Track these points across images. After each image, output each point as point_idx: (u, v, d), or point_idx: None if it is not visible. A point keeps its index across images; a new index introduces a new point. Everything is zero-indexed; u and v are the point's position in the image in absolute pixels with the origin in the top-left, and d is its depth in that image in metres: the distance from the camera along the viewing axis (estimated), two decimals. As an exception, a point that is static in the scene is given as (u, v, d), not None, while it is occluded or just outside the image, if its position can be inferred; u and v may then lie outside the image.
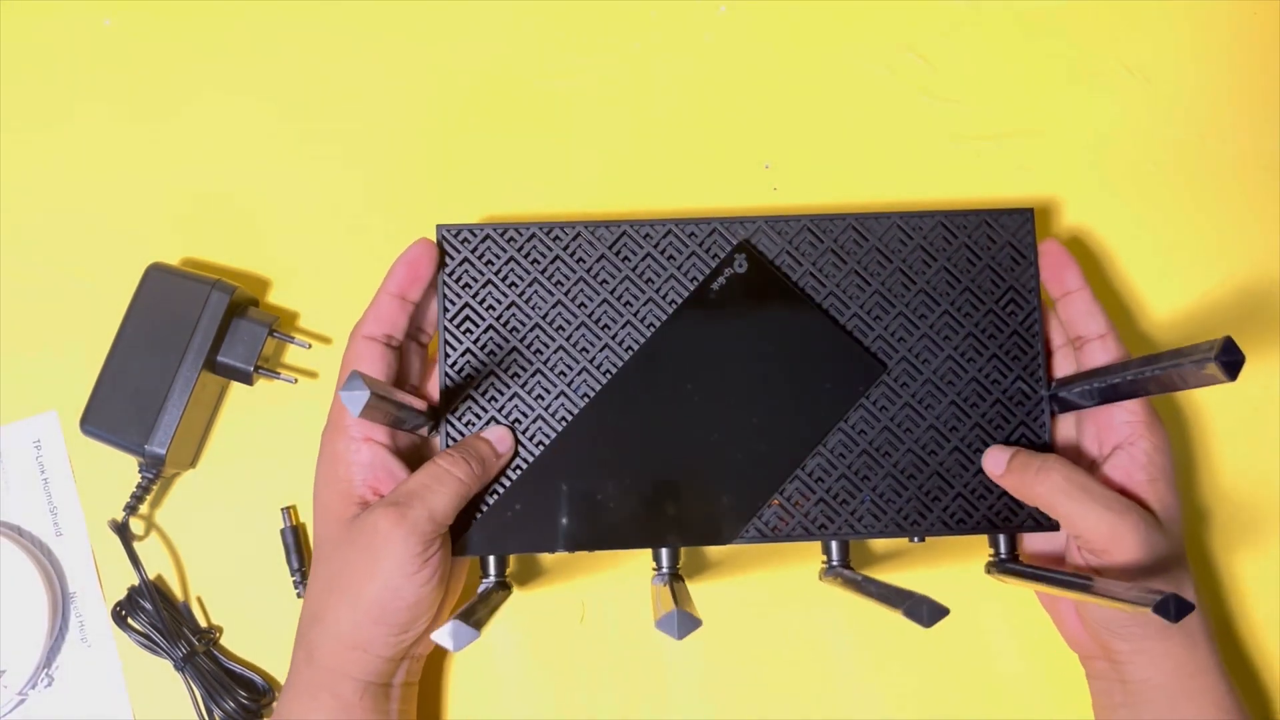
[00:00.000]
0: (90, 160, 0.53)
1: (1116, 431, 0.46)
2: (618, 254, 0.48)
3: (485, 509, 0.46)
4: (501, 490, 0.46)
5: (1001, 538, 0.48)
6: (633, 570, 0.51)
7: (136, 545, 0.49)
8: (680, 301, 0.48)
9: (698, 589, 0.50)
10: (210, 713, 0.48)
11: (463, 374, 0.47)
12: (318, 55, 0.54)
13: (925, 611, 0.39)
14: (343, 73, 0.54)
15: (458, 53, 0.54)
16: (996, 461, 0.47)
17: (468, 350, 0.47)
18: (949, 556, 0.51)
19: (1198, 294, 0.54)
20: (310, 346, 0.51)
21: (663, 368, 0.47)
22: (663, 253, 0.48)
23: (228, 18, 0.54)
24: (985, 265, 0.49)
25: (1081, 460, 0.48)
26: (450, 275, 0.48)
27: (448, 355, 0.47)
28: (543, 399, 0.47)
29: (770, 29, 0.55)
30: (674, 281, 0.48)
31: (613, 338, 0.47)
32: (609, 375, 0.47)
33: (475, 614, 0.40)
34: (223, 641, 0.50)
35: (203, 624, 0.50)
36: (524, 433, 0.47)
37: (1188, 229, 0.54)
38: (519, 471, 0.47)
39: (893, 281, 0.49)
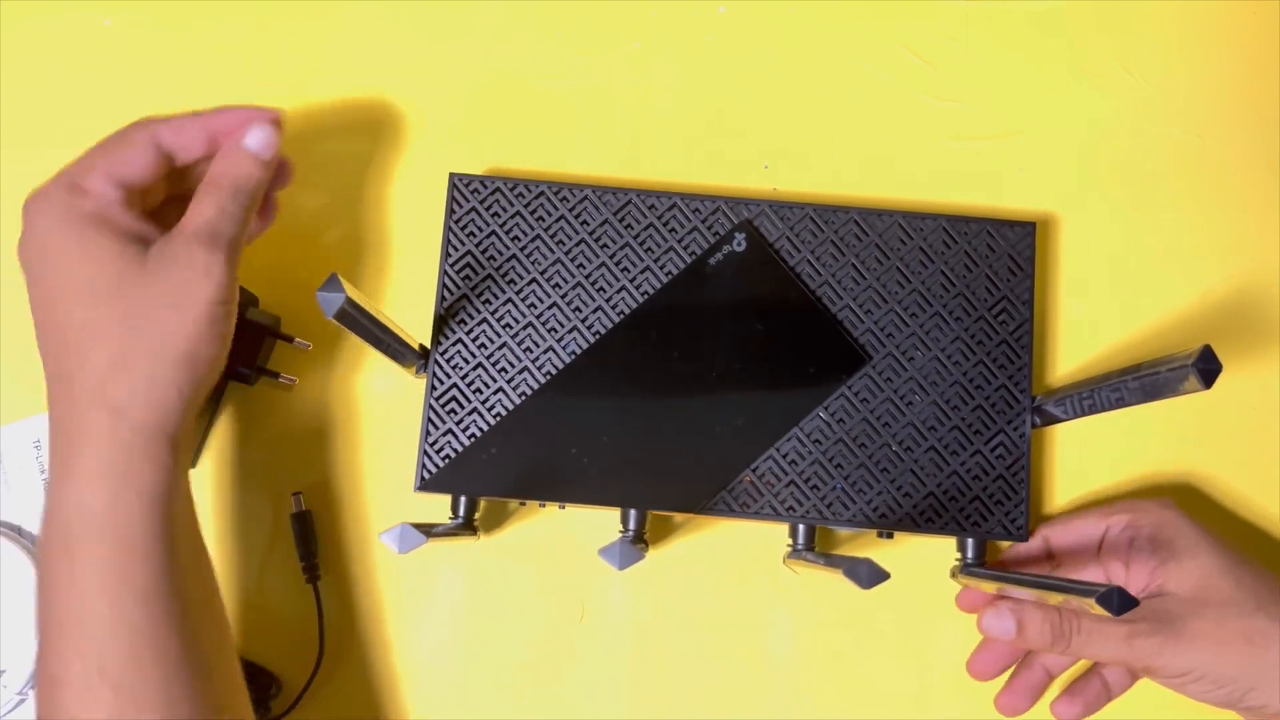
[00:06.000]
0: (90, 160, 0.53)
1: (1121, 535, 0.47)
2: (621, 220, 0.49)
3: (459, 450, 0.47)
4: (479, 434, 0.47)
5: (970, 543, 0.48)
6: (632, 569, 0.51)
7: (136, 545, 0.49)
8: (676, 273, 0.49)
9: (667, 575, 0.51)
10: (210, 712, 0.48)
11: (456, 318, 0.48)
12: (318, 55, 0.54)
13: (864, 573, 0.39)
14: (343, 73, 0.54)
15: (458, 53, 0.54)
16: (1001, 627, 0.43)
17: (464, 296, 0.48)
18: (919, 559, 0.51)
19: (1197, 294, 0.54)
20: (310, 347, 0.51)
21: (651, 334, 0.48)
22: (665, 224, 0.49)
23: (228, 17, 0.54)
24: (982, 273, 0.49)
25: (1094, 555, 0.48)
26: (456, 222, 0.49)
27: (444, 298, 0.48)
28: (531, 351, 0.48)
29: (770, 29, 0.55)
30: (673, 253, 0.49)
31: (606, 300, 0.48)
32: (598, 336, 0.48)
33: (430, 528, 0.41)
34: (223, 641, 0.50)
35: (203, 624, 0.50)
36: (509, 381, 0.48)
37: (1187, 229, 0.54)
38: (499, 418, 0.48)
39: (888, 278, 0.49)
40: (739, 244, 0.49)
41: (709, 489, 0.47)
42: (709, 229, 0.49)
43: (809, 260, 0.49)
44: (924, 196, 0.54)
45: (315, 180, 0.53)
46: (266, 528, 0.50)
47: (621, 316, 0.48)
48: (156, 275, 0.39)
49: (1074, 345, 0.53)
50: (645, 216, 0.49)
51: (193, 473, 0.51)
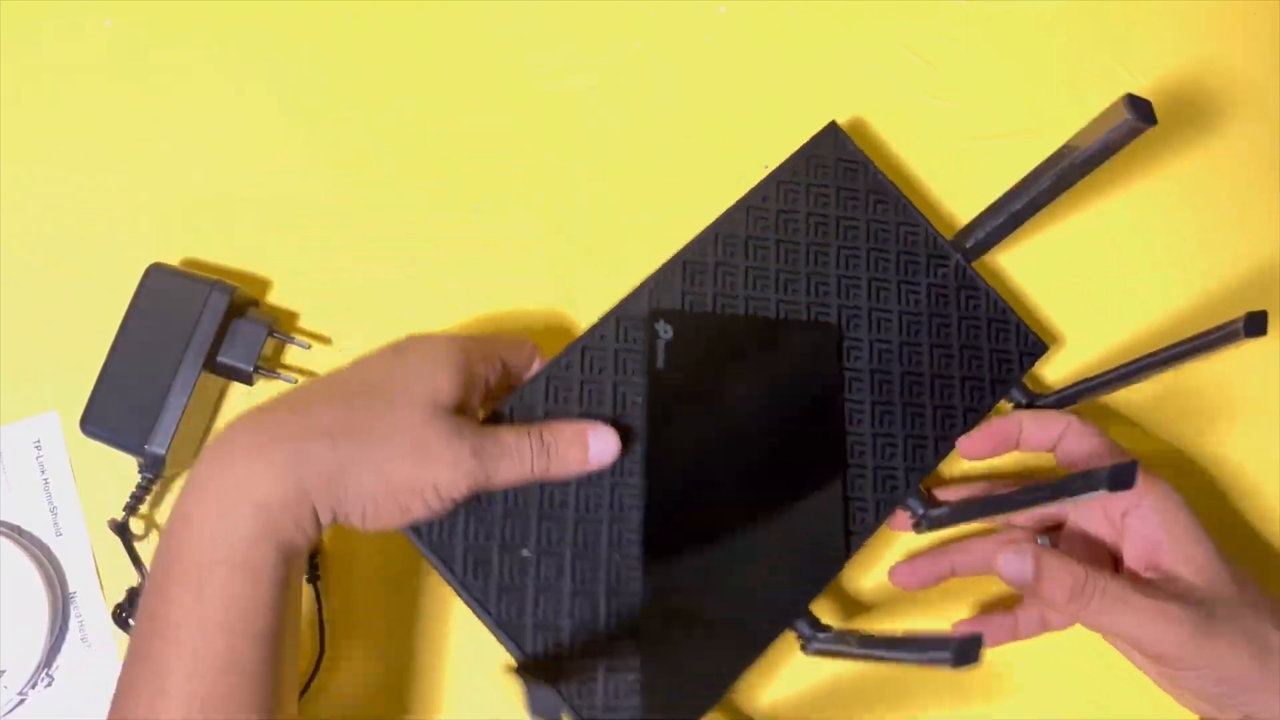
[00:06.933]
0: (90, 160, 0.53)
1: (1121, 499, 0.44)
2: (561, 400, 0.45)
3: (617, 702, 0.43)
4: (635, 675, 0.43)
5: (1015, 392, 0.50)
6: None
7: (137, 545, 0.49)
8: (643, 399, 0.46)
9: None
10: (211, 712, 0.48)
11: (514, 615, 0.44)
12: (318, 55, 0.54)
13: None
14: (343, 72, 0.54)
15: (458, 53, 0.54)
16: (1019, 569, 0.41)
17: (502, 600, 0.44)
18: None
19: (1196, 294, 0.54)
20: (310, 347, 0.51)
21: (678, 469, 0.46)
22: (595, 370, 0.46)
23: (228, 18, 0.54)
24: (834, 188, 0.50)
25: (1099, 546, 0.47)
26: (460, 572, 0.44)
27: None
28: (592, 572, 0.44)
29: (770, 29, 0.55)
30: (623, 387, 0.46)
31: (611, 478, 0.45)
32: (635, 510, 0.45)
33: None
34: (223, 641, 0.50)
35: (203, 624, 0.50)
36: (607, 613, 0.44)
37: (1186, 230, 0.54)
38: (632, 642, 0.44)
39: (783, 254, 0.49)
40: (666, 332, 0.47)
41: (836, 539, 0.46)
42: (630, 341, 0.47)
43: (720, 295, 0.48)
44: (926, 196, 0.54)
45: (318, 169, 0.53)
46: (266, 528, 0.50)
47: (633, 475, 0.45)
48: (435, 430, 0.40)
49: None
50: (573, 379, 0.46)
51: (192, 473, 0.51)
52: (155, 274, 0.48)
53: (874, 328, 0.49)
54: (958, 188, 0.54)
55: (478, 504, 0.43)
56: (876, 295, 0.49)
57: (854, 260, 0.49)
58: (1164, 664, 0.42)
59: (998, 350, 0.50)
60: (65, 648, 0.49)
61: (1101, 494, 0.37)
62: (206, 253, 0.52)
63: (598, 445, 0.44)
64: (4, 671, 0.48)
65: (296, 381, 0.51)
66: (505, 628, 0.43)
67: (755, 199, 0.49)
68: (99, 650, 0.49)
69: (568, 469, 0.44)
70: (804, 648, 0.45)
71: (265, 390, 0.51)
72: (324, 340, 0.52)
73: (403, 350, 0.43)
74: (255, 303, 0.51)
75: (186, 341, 0.47)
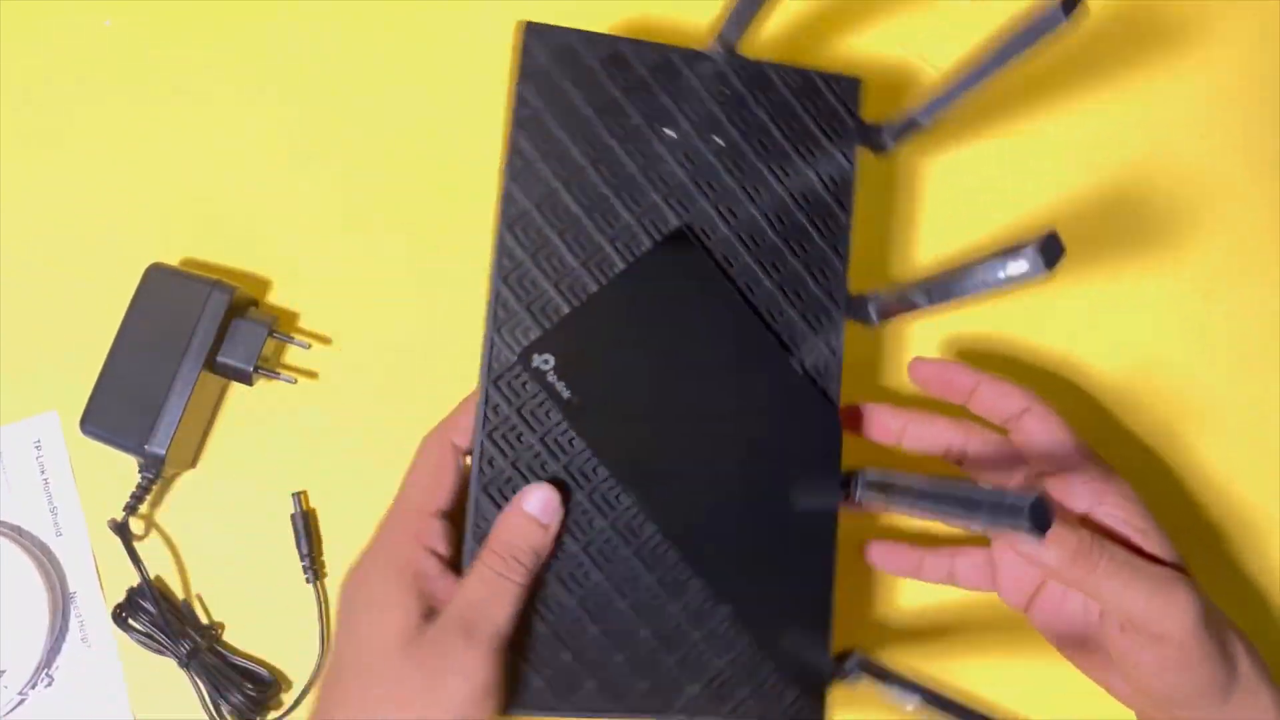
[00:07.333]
0: (90, 160, 0.53)
1: (1079, 498, 0.42)
2: (506, 498, 0.42)
3: None
4: (768, 661, 0.43)
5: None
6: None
7: (137, 545, 0.49)
8: (576, 435, 0.43)
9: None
10: (218, 707, 0.48)
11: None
12: (318, 55, 0.54)
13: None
14: (343, 72, 0.54)
15: (457, 52, 0.54)
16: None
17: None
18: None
19: (1197, 295, 0.54)
20: (310, 346, 0.51)
21: (657, 466, 0.43)
22: (515, 444, 0.42)
23: (228, 18, 0.54)
24: (570, 86, 0.44)
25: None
26: None
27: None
28: (654, 617, 0.42)
29: (770, 29, 0.55)
30: (551, 436, 0.43)
31: (602, 513, 0.43)
32: (645, 524, 0.43)
33: None
34: (224, 638, 0.50)
35: (204, 621, 0.50)
36: (693, 635, 0.42)
37: (1187, 230, 0.54)
38: (742, 635, 0.43)
39: (578, 192, 0.43)
40: (546, 362, 0.42)
41: (818, 402, 0.44)
42: (523, 394, 0.43)
43: (560, 280, 0.43)
44: (925, 195, 0.54)
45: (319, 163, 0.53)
46: (267, 528, 0.50)
47: (625, 498, 0.43)
48: (421, 664, 0.38)
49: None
50: (503, 469, 0.42)
51: (191, 473, 0.51)
52: (155, 274, 0.48)
53: (706, 190, 0.44)
54: (959, 187, 0.54)
55: (518, 643, 0.41)
56: (684, 159, 0.44)
57: (641, 142, 0.44)
58: (1161, 645, 0.39)
59: (821, 115, 0.45)
60: (65, 648, 0.49)
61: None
62: (206, 253, 0.52)
63: (537, 506, 0.41)
64: (4, 671, 0.48)
65: (295, 381, 0.51)
66: (635, 711, 0.42)
67: (515, 162, 0.44)
68: (99, 650, 0.49)
69: (539, 549, 0.41)
70: (853, 496, 0.43)
71: (265, 390, 0.51)
72: (324, 340, 0.52)
73: (351, 609, 0.41)
74: (255, 303, 0.51)
75: (186, 341, 0.47)
